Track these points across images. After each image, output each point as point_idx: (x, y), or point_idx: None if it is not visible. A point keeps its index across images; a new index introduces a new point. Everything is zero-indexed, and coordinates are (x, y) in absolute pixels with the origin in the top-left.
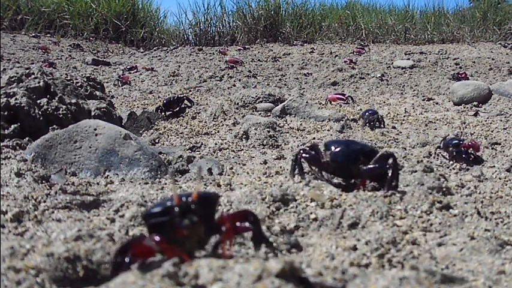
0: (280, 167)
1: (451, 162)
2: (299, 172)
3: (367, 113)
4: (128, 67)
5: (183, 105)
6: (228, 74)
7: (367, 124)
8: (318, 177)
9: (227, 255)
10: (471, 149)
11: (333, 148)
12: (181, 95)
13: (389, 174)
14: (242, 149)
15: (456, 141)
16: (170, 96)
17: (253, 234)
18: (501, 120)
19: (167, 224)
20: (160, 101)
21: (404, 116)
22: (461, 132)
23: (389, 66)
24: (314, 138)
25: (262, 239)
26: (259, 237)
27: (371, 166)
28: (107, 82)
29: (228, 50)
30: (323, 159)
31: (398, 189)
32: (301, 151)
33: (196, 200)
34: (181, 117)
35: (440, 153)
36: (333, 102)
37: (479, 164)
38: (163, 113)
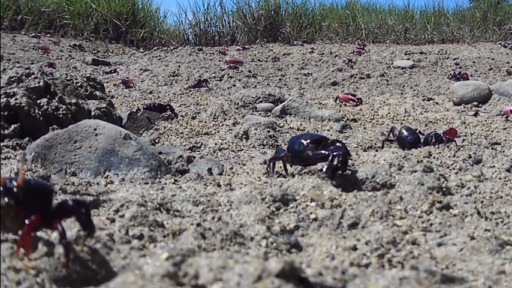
0: (280, 167)
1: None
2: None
3: (404, 134)
4: (107, 71)
5: (166, 114)
6: (228, 74)
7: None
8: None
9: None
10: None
11: (289, 141)
12: (164, 103)
13: (331, 157)
14: (242, 149)
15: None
16: (154, 102)
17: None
18: (501, 120)
19: None
20: (142, 105)
21: (404, 116)
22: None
23: (389, 66)
24: None
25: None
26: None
27: (317, 152)
28: (107, 82)
29: (228, 50)
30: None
31: (395, 189)
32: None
33: (21, 185)
34: (181, 117)
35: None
36: (344, 102)
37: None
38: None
